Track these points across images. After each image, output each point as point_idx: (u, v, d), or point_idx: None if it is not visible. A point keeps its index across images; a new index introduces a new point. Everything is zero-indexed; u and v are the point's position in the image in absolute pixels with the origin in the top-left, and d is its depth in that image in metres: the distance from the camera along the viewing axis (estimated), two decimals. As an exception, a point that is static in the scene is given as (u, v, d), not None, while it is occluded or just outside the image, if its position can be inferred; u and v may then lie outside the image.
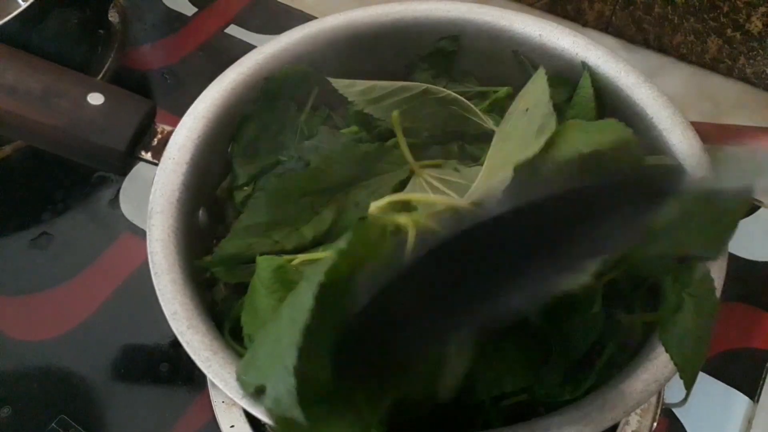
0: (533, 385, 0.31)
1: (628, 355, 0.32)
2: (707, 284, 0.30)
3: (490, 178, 0.31)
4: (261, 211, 0.36)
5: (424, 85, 0.40)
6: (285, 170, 0.37)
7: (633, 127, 0.36)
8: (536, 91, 0.34)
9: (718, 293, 0.32)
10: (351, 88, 0.39)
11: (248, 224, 0.36)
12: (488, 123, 0.39)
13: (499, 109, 0.41)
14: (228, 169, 0.41)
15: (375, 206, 0.30)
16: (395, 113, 0.36)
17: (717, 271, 0.32)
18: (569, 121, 0.38)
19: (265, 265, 0.32)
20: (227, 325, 0.36)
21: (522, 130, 0.32)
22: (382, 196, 0.37)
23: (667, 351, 0.29)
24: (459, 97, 0.40)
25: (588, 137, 0.33)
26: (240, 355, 0.32)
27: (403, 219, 0.28)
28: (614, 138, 0.33)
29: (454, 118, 0.40)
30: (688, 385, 0.29)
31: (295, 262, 0.33)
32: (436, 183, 0.35)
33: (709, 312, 0.30)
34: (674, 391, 0.43)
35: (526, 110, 0.33)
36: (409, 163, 0.37)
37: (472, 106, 0.40)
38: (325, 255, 0.33)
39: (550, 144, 0.33)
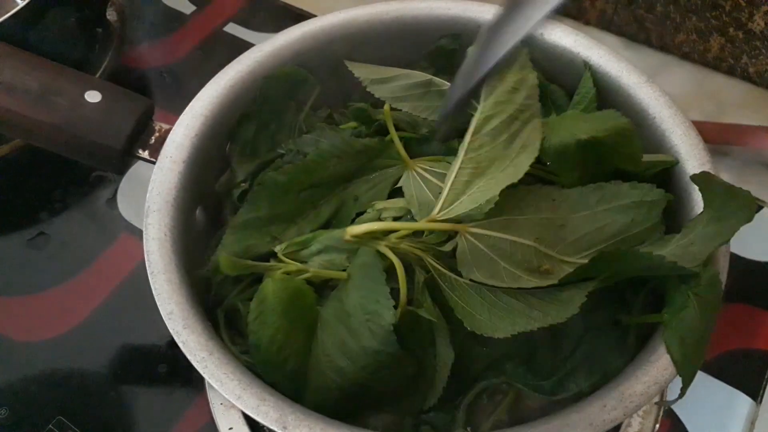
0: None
1: (624, 359, 0.32)
2: (715, 285, 0.30)
3: (464, 191, 0.32)
4: (260, 205, 0.36)
5: (428, 76, 0.40)
6: (284, 164, 0.37)
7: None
8: (524, 97, 0.33)
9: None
10: (357, 66, 0.41)
11: (247, 219, 0.36)
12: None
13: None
14: (226, 168, 0.40)
15: (351, 233, 0.31)
16: (386, 107, 0.36)
17: (719, 272, 0.32)
18: (567, 111, 0.38)
19: (281, 286, 0.32)
20: (221, 314, 0.36)
21: (503, 141, 0.32)
22: (382, 190, 0.37)
23: (668, 349, 0.29)
24: None
25: (586, 125, 0.33)
26: (235, 356, 0.32)
27: (381, 245, 0.31)
28: (611, 126, 0.33)
29: None
30: (687, 383, 0.29)
31: (303, 276, 0.33)
32: (428, 176, 0.35)
33: (713, 312, 0.30)
34: (676, 392, 0.43)
35: (510, 117, 0.33)
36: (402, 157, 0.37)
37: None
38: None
39: (548, 130, 0.33)
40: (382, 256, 0.31)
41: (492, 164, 0.32)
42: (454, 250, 0.32)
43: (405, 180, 0.36)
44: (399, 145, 0.36)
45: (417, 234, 0.33)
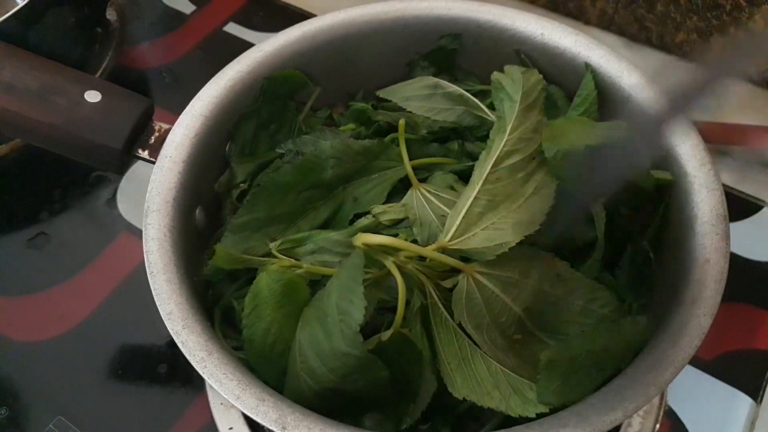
0: None
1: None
2: None
3: (477, 223, 0.31)
4: (259, 206, 0.36)
5: (435, 79, 0.40)
6: (283, 164, 0.37)
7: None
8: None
9: (720, 294, 0.31)
10: None
11: (246, 220, 0.36)
12: (491, 117, 0.39)
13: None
14: (225, 168, 0.40)
15: (364, 240, 0.31)
16: (401, 121, 0.36)
17: (719, 273, 0.32)
18: (576, 116, 0.38)
19: (275, 278, 0.32)
20: (218, 312, 0.36)
21: (519, 178, 0.32)
22: (381, 192, 0.37)
23: None
24: (466, 93, 0.39)
25: (597, 132, 0.33)
26: (231, 354, 0.32)
27: (389, 261, 0.31)
28: (622, 136, 0.33)
29: (461, 115, 0.39)
30: None
31: (299, 272, 0.33)
32: (431, 197, 0.35)
33: None
34: (677, 392, 0.43)
35: (529, 156, 0.32)
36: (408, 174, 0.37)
37: (480, 103, 0.39)
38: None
39: (555, 134, 0.32)
40: (384, 268, 0.31)
41: (506, 199, 0.31)
42: (455, 286, 0.31)
43: (409, 199, 0.36)
44: (409, 170, 0.36)
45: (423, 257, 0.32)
